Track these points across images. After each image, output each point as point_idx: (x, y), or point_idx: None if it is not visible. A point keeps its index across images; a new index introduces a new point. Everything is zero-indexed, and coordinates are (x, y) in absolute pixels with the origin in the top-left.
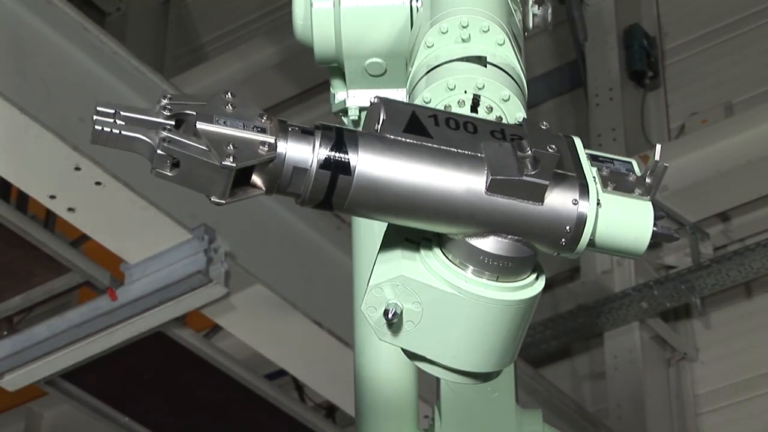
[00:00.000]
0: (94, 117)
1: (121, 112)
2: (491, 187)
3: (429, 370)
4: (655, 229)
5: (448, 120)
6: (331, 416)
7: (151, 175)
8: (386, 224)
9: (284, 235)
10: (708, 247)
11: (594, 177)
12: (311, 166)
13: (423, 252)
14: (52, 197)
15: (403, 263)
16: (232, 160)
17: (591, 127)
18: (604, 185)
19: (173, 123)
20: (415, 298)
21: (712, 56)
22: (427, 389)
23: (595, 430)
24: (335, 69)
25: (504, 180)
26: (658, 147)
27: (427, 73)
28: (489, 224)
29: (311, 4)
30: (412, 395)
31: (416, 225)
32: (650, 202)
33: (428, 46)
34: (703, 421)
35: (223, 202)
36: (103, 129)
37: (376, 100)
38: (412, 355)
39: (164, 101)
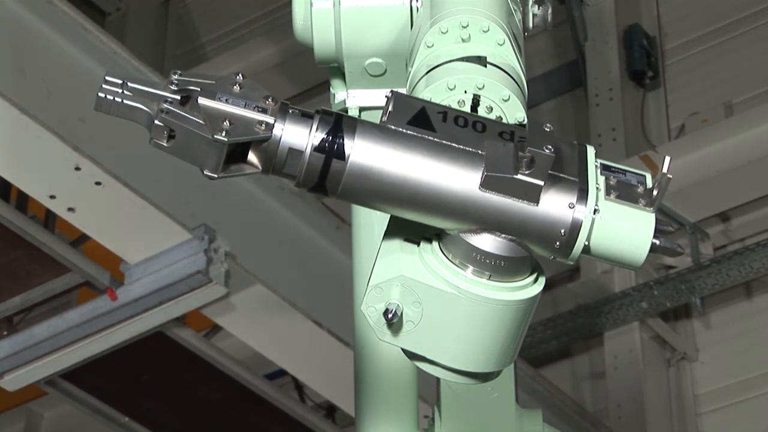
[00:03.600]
0: (102, 86)
1: (129, 84)
2: (485, 183)
3: (429, 370)
4: (656, 241)
5: (457, 118)
6: (331, 416)
7: (151, 175)
8: (386, 224)
9: (284, 235)
10: (708, 247)
11: (598, 184)
12: (306, 148)
13: (423, 252)
14: (52, 197)
15: (403, 263)
16: (224, 134)
17: (591, 127)
18: (608, 193)
19: (178, 98)
20: (415, 298)
21: (712, 56)
22: (427, 389)
23: (595, 430)
24: (335, 69)
25: (498, 177)
26: (667, 159)
27: (427, 73)
28: (482, 220)
29: (311, 4)
30: (412, 395)
31: (410, 216)
32: (652, 214)
33: (428, 46)
34: (703, 421)
35: (215, 176)
36: (106, 96)
37: (390, 95)
38: (412, 355)
39: (174, 77)
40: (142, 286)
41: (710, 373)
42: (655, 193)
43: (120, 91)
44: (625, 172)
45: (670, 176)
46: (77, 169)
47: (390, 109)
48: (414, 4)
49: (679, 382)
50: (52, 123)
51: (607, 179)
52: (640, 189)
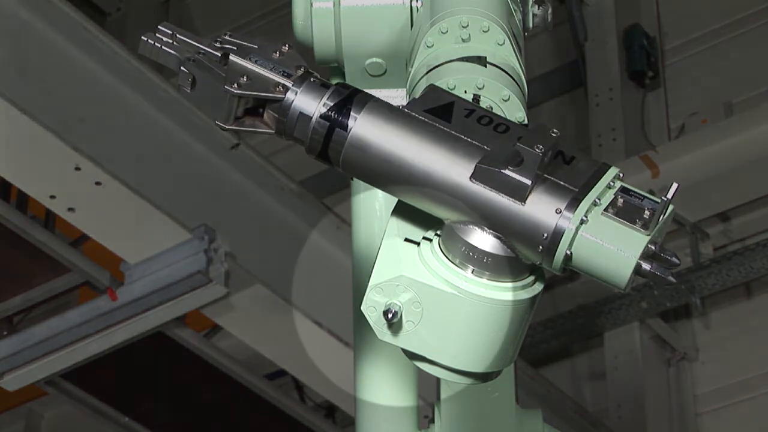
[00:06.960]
0: (154, 33)
1: (178, 35)
2: (475, 174)
3: (429, 370)
4: (646, 265)
5: (482, 117)
6: (331, 416)
7: (151, 175)
8: (386, 224)
9: (284, 235)
10: (708, 247)
11: (598, 200)
12: (314, 114)
13: (423, 252)
14: (52, 197)
15: (404, 263)
16: (236, 87)
17: (591, 127)
18: (606, 210)
19: (214, 53)
20: (415, 298)
21: (712, 56)
22: (427, 389)
23: (595, 430)
24: (335, 69)
25: (487, 169)
26: (674, 186)
27: (427, 73)
28: (469, 211)
29: (311, 4)
30: (412, 395)
31: (404, 198)
32: (645, 236)
33: (428, 46)
34: (703, 421)
35: (226, 126)
36: (148, 41)
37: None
38: (412, 355)
39: (224, 36)
40: (142, 286)
41: (710, 373)
42: (656, 216)
43: (169, 41)
44: (643, 197)
45: (669, 199)
46: (77, 169)
47: (417, 96)
48: (414, 4)
49: (679, 382)
50: (52, 123)
51: (615, 198)
52: (647, 214)
